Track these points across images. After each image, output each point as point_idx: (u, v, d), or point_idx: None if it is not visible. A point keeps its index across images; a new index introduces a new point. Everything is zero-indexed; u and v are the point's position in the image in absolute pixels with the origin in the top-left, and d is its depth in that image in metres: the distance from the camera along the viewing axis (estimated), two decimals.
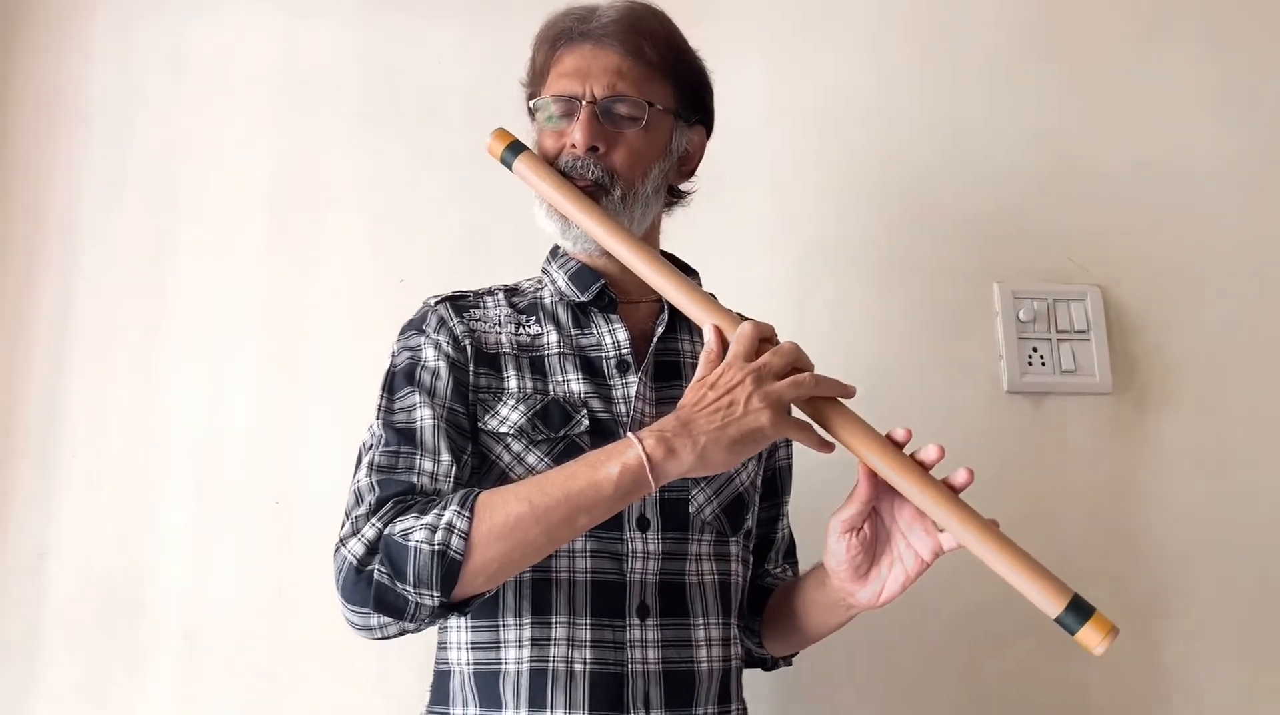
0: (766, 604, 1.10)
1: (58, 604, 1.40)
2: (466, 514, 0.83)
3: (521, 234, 1.53)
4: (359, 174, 1.57)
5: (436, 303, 1.04)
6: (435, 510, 0.84)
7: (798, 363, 0.87)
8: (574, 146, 0.99)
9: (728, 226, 1.54)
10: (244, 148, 1.57)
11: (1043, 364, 1.52)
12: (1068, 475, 1.49)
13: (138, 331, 1.50)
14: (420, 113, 1.59)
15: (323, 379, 1.48)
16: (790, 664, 1.16)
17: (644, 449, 0.81)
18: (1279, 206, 1.61)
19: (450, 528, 0.82)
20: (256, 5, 1.63)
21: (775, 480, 1.14)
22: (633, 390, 0.98)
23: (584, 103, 0.99)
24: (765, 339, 0.89)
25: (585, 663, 0.90)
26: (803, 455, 1.08)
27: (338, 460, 1.44)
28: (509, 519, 0.82)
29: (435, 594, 0.82)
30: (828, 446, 0.89)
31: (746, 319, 0.92)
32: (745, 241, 1.54)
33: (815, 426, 0.88)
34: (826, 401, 0.86)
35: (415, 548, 0.82)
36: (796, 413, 0.89)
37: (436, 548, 0.82)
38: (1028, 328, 1.52)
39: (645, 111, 1.00)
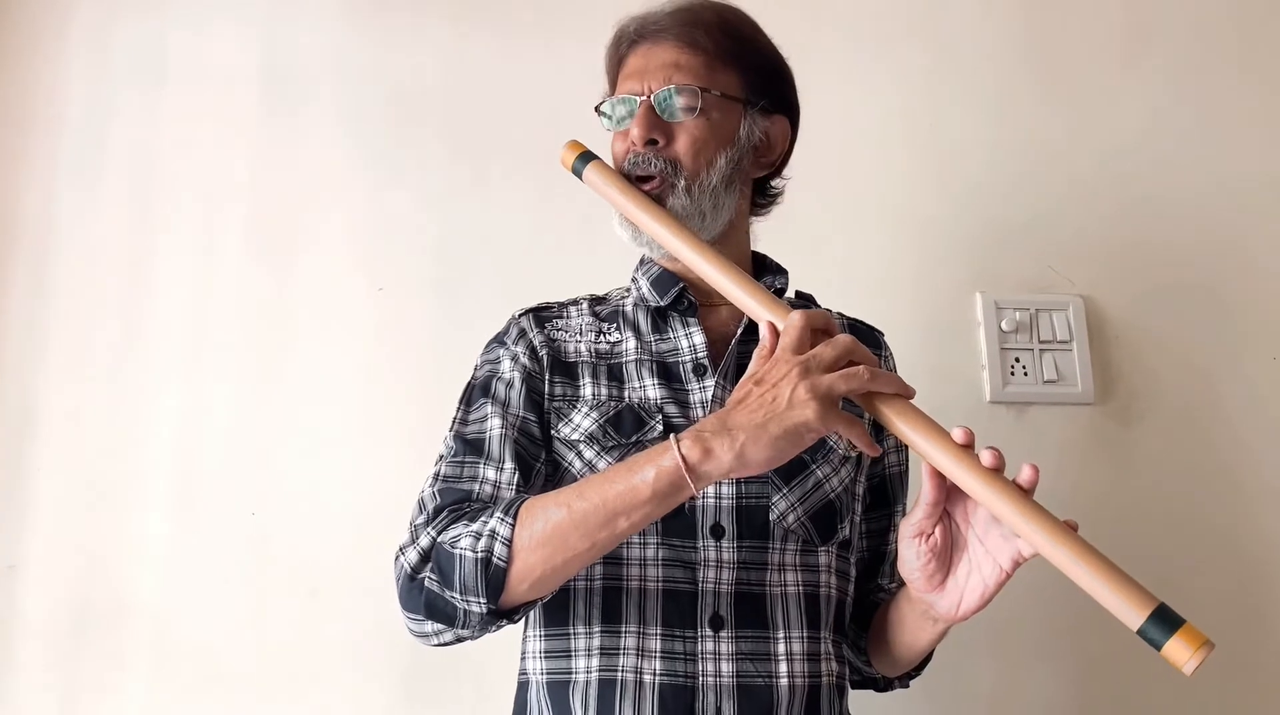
0: (872, 620, 1.04)
1: (28, 616, 1.38)
2: (509, 520, 0.82)
3: (500, 241, 1.53)
4: (338, 180, 1.56)
5: (520, 315, 1.05)
6: (483, 517, 0.85)
7: (852, 355, 0.81)
8: (634, 142, 0.99)
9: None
10: (222, 154, 1.56)
11: (1025, 374, 1.51)
12: (1050, 485, 1.43)
13: (112, 340, 1.48)
14: (399, 119, 1.58)
15: (300, 389, 1.47)
16: (906, 685, 1.08)
17: (679, 450, 0.78)
18: (1259, 216, 1.61)
19: (493, 535, 0.82)
20: (236, 10, 1.62)
21: (884, 488, 1.07)
22: (710, 393, 0.96)
23: (640, 99, 0.99)
24: (820, 329, 0.83)
25: (655, 674, 0.88)
26: (915, 461, 1.05)
27: (314, 472, 1.44)
28: (548, 525, 0.81)
29: (482, 601, 0.82)
30: (875, 449, 0.83)
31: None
32: None
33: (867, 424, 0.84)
34: (885, 397, 0.80)
35: (460, 555, 0.83)
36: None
37: (480, 555, 0.82)
38: (1010, 338, 1.52)
39: (699, 98, 0.98)
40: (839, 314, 1.13)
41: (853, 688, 1.01)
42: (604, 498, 0.80)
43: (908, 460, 1.10)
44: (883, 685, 1.08)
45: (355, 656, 1.37)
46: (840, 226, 1.57)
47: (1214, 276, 1.58)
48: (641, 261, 1.08)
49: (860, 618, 1.05)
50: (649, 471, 0.79)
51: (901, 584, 1.05)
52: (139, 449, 1.44)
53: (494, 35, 1.62)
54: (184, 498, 1.43)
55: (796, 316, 0.82)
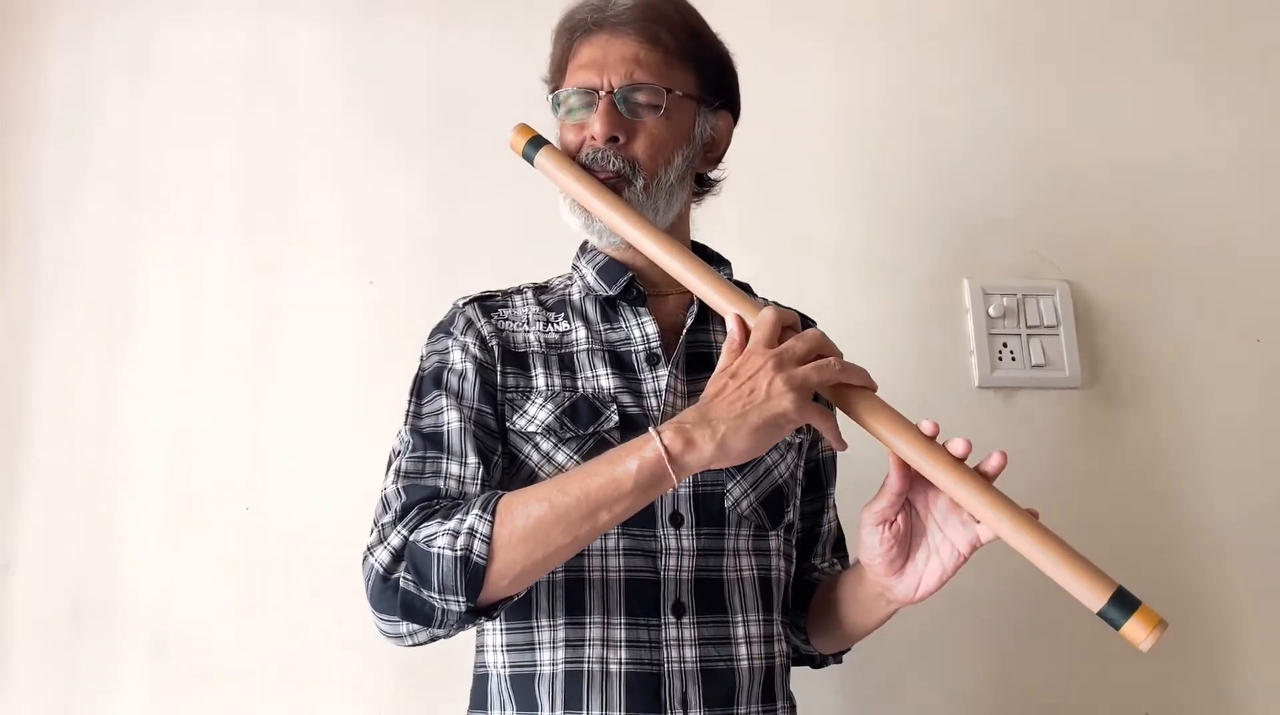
0: (811, 599, 1.07)
1: (24, 614, 1.39)
2: (488, 517, 0.82)
3: (490, 234, 1.54)
4: (328, 174, 1.55)
5: (464, 304, 1.04)
6: (458, 515, 0.84)
7: (822, 350, 0.84)
8: (594, 138, 0.98)
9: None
10: (211, 148, 1.56)
11: (1013, 359, 1.52)
12: (1038, 469, 1.49)
13: (103, 335, 1.48)
14: (389, 112, 1.58)
15: (292, 383, 1.47)
16: (840, 661, 1.12)
17: (662, 442, 0.79)
18: (1245, 200, 1.63)
19: (472, 532, 0.82)
20: (225, 4, 1.61)
21: (818, 472, 1.11)
22: (663, 383, 0.97)
23: (602, 93, 0.98)
24: (789, 326, 0.86)
25: (620, 663, 0.89)
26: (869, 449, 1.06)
27: (308, 466, 1.44)
28: (529, 520, 0.81)
29: (461, 600, 0.82)
30: (842, 444, 0.87)
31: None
32: (714, 242, 1.54)
33: (839, 416, 0.86)
34: (853, 390, 0.83)
35: (438, 554, 0.82)
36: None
37: (459, 553, 0.81)
38: (998, 323, 1.53)
39: (664, 98, 0.98)
40: (775, 303, 1.13)
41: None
42: (586, 491, 0.81)
43: None
44: (819, 662, 1.11)
45: (351, 651, 1.37)
46: (829, 214, 1.58)
47: (1198, 260, 1.60)
48: (584, 248, 1.08)
49: (797, 597, 1.07)
50: (631, 463, 0.80)
51: (833, 563, 1.10)
52: (132, 444, 1.44)
53: (485, 27, 1.62)
54: (179, 494, 1.43)
55: (769, 312, 0.85)
